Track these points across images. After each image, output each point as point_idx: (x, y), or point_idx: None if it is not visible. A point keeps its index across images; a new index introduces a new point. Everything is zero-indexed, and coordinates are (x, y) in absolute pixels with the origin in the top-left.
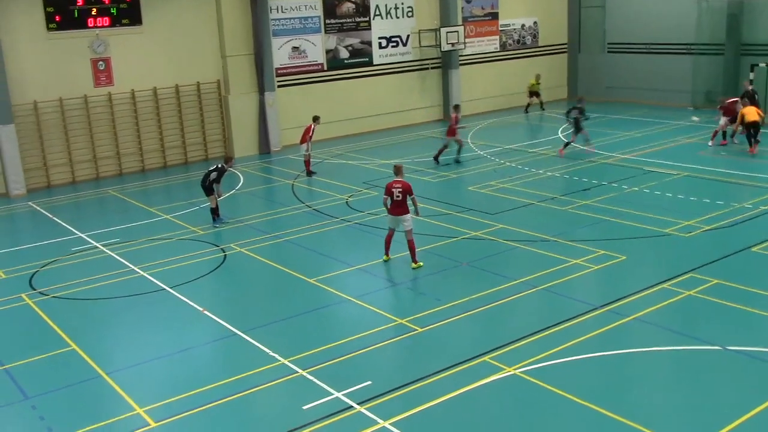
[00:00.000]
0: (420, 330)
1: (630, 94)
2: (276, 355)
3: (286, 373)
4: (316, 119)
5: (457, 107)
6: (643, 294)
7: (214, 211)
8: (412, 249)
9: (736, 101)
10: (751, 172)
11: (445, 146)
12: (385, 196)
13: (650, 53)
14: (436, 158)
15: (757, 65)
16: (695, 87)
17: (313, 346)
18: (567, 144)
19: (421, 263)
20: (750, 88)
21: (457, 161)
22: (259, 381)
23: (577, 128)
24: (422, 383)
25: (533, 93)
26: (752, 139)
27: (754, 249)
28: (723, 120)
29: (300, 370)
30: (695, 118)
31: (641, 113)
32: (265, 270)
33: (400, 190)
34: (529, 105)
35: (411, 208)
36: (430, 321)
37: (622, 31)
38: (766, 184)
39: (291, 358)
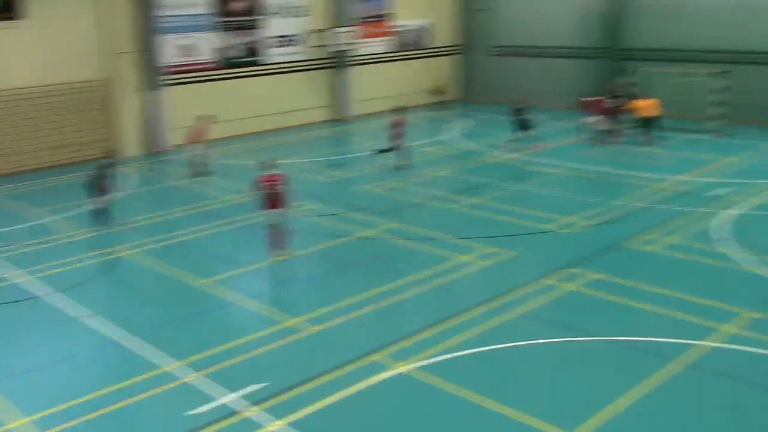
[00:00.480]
0: (314, 329)
1: (519, 95)
2: (165, 361)
3: (176, 377)
4: (206, 118)
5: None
6: (528, 289)
7: (102, 213)
8: (285, 241)
9: (601, 100)
10: (626, 170)
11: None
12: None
13: (537, 56)
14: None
15: (636, 69)
16: (578, 89)
17: (205, 350)
18: (514, 140)
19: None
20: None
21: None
22: (146, 387)
23: (525, 127)
24: (317, 382)
25: (438, 91)
26: (647, 133)
27: (626, 243)
28: (591, 119)
29: (191, 375)
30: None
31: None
32: (153, 273)
33: (281, 182)
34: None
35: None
36: (324, 320)
37: (511, 34)
38: (640, 180)
39: (181, 363)
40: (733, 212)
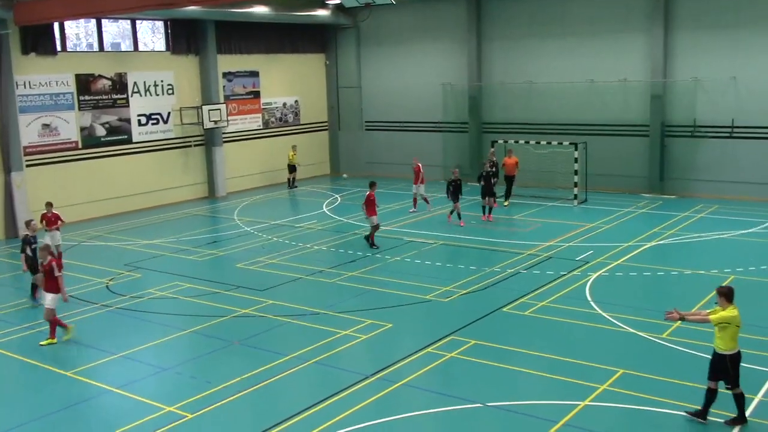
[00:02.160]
0: (190, 416)
1: (388, 168)
2: None
3: None
4: (48, 205)
5: (373, 184)
6: (409, 359)
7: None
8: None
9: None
10: (496, 239)
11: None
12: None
13: (405, 131)
14: (371, 242)
15: (496, 141)
16: (445, 161)
17: None
18: (452, 212)
19: (54, 340)
20: (493, 159)
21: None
22: None
23: (456, 198)
24: None
25: (291, 167)
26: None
27: (504, 309)
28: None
29: None
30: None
31: (399, 187)
32: (15, 365)
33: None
34: (292, 180)
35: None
36: (201, 405)
37: (378, 110)
38: (510, 249)
39: None
40: (603, 273)
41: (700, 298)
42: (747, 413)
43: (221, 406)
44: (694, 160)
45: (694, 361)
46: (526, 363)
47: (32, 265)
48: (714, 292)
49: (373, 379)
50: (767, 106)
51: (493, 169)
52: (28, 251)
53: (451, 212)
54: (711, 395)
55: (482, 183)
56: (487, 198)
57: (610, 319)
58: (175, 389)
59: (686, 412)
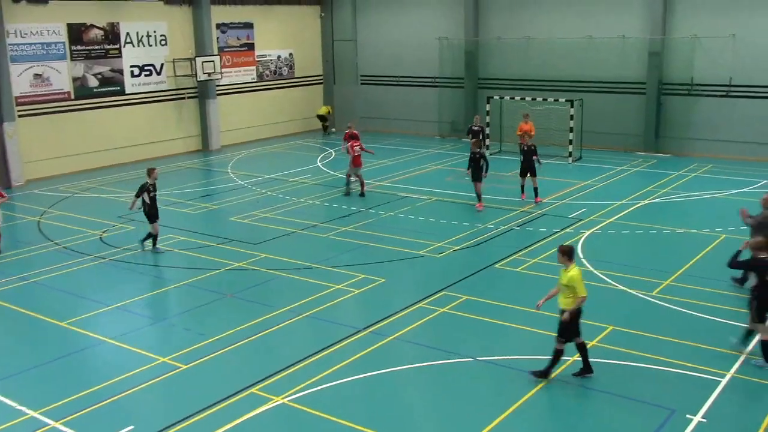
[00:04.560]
0: (184, 367)
1: (383, 124)
2: (24, 408)
3: (37, 426)
4: None
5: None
6: (402, 314)
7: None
8: None
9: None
10: (492, 195)
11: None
12: None
13: (399, 85)
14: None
15: (492, 97)
16: (441, 117)
17: (68, 394)
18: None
19: None
20: (478, 125)
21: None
22: None
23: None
24: (189, 422)
25: (322, 117)
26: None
27: (497, 266)
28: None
29: (53, 422)
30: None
31: (394, 142)
32: (10, 316)
33: None
34: (325, 128)
35: None
36: (195, 357)
37: (373, 64)
38: (504, 205)
39: (43, 410)
40: (595, 231)
41: (692, 257)
42: (731, 372)
43: (214, 357)
44: (690, 119)
45: (683, 318)
46: (517, 319)
47: (150, 213)
48: (557, 250)
49: (365, 332)
50: (765, 65)
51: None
52: (146, 198)
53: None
54: (558, 355)
55: (522, 159)
56: (528, 176)
57: (602, 276)
58: (169, 340)
59: (530, 371)
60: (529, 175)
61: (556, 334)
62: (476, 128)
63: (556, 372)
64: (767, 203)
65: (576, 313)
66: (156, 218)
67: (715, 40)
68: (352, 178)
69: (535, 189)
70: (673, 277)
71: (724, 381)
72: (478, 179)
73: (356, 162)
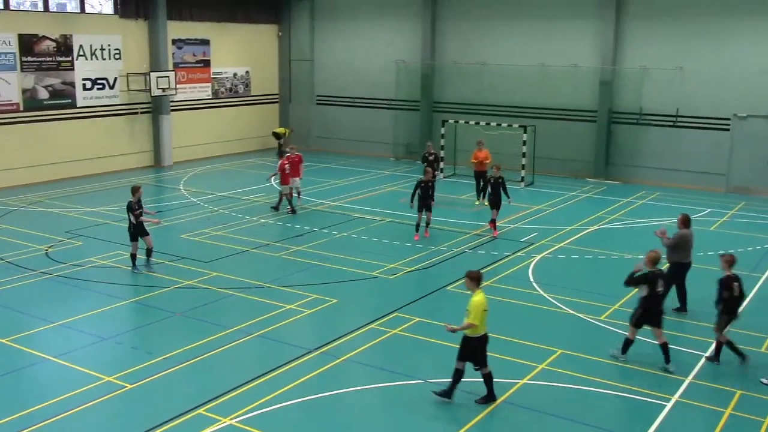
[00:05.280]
0: (130, 387)
1: (339, 144)
2: None
3: None
4: None
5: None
6: (353, 335)
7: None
8: None
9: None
10: (444, 218)
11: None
12: None
13: (355, 107)
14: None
15: (447, 121)
16: (396, 139)
17: (8, 414)
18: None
19: None
20: (432, 152)
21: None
22: None
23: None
24: None
25: (277, 135)
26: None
27: (448, 288)
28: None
29: None
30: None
31: (348, 163)
32: None
33: None
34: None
35: None
36: (141, 376)
37: (329, 85)
38: (456, 228)
39: None
40: (546, 255)
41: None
42: (676, 396)
43: (162, 377)
44: (639, 147)
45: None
46: None
47: (133, 233)
48: (465, 275)
49: (316, 353)
50: (710, 97)
51: (436, 164)
52: (131, 217)
53: (492, 221)
54: (459, 376)
55: (490, 191)
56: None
57: (552, 300)
58: (115, 359)
59: (434, 392)
60: (494, 208)
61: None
62: (431, 157)
63: (502, 397)
64: (682, 224)
65: (484, 340)
66: (136, 238)
67: (664, 72)
68: (287, 194)
69: (493, 220)
70: (620, 302)
71: (669, 405)
72: (429, 208)
73: (286, 179)
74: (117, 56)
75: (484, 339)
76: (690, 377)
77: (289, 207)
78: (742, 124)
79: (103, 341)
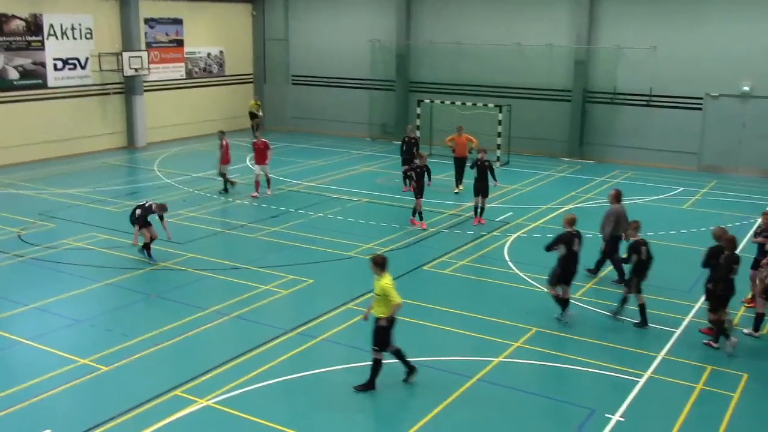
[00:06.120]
0: (106, 369)
1: (314, 124)
2: None
3: None
4: None
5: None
6: (330, 315)
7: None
8: None
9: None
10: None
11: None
12: None
13: (331, 86)
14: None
15: (423, 101)
16: (371, 120)
17: None
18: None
19: None
20: (413, 135)
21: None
22: None
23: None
24: (110, 425)
25: (253, 114)
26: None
27: (425, 267)
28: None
29: None
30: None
31: (324, 143)
32: None
33: None
34: (255, 127)
35: None
36: (117, 358)
37: (305, 65)
38: (433, 208)
39: None
40: (521, 235)
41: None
42: (649, 372)
43: (137, 359)
44: (613, 127)
45: (605, 320)
46: (444, 320)
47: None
48: (370, 260)
49: (292, 334)
50: (683, 77)
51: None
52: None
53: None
54: (378, 365)
55: (476, 176)
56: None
57: (527, 279)
58: (90, 341)
59: (354, 387)
60: (480, 195)
61: (372, 347)
62: (412, 141)
63: (480, 373)
64: (614, 199)
65: (391, 321)
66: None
67: (638, 52)
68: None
69: (482, 209)
70: (595, 280)
71: (641, 381)
72: (421, 194)
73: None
74: (88, 36)
75: (393, 320)
76: (662, 353)
77: (224, 188)
78: (714, 103)
79: (78, 323)
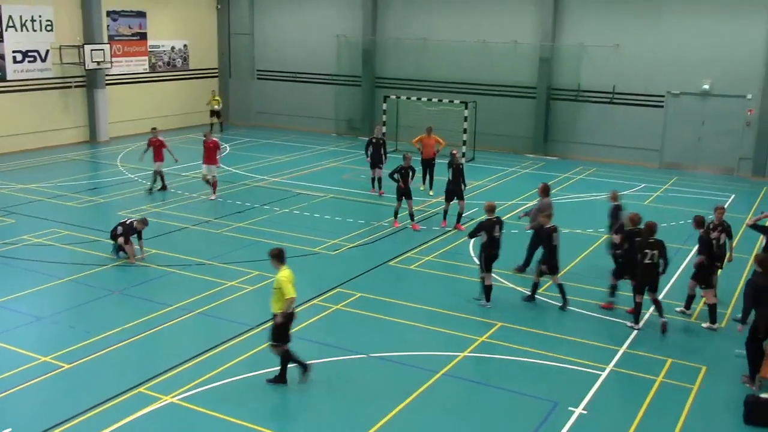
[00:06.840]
0: (67, 366)
1: (279, 120)
2: None
3: None
4: None
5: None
6: (297, 311)
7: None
8: None
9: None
10: (385, 193)
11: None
12: None
13: (297, 81)
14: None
15: (389, 97)
16: (337, 115)
17: None
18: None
19: None
20: (380, 136)
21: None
22: None
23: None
24: (72, 423)
25: (214, 112)
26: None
27: (390, 263)
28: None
29: None
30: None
31: (290, 138)
32: None
33: None
34: (220, 126)
35: None
36: (79, 356)
37: (270, 59)
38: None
39: None
40: None
41: (576, 256)
42: (610, 365)
43: (100, 356)
44: (576, 124)
45: (568, 314)
46: (410, 315)
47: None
48: (268, 254)
49: (257, 330)
50: (646, 75)
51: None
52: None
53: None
54: (290, 356)
55: (449, 178)
56: (454, 200)
57: (492, 274)
58: (52, 339)
59: (267, 379)
60: (456, 198)
61: (270, 342)
62: (381, 141)
63: (446, 368)
64: (543, 192)
65: (289, 316)
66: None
67: (601, 50)
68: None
69: (461, 214)
70: (558, 275)
71: (603, 374)
72: (410, 195)
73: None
74: (49, 28)
75: (292, 314)
76: (624, 347)
77: (151, 187)
78: (675, 101)
79: (39, 320)
